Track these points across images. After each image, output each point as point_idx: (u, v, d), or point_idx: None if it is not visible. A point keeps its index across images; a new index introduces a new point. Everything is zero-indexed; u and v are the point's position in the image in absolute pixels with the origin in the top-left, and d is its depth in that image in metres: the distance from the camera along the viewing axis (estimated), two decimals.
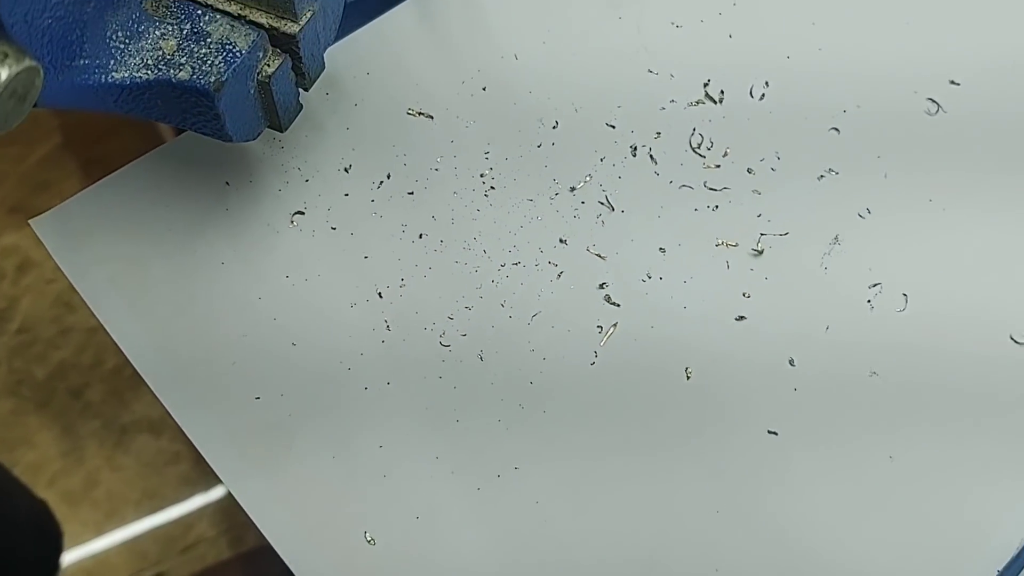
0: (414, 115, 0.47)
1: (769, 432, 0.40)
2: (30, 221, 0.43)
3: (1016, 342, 0.42)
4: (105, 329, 0.41)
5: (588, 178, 0.46)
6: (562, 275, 0.43)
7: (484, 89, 0.48)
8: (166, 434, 1.02)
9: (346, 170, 0.45)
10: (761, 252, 0.44)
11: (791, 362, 0.42)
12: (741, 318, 0.42)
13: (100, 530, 1.00)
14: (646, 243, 0.44)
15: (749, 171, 0.46)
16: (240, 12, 0.39)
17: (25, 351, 1.04)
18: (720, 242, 0.44)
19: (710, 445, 0.40)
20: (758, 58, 0.49)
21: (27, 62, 0.27)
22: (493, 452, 0.40)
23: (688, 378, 0.41)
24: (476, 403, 0.41)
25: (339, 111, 0.47)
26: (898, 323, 0.43)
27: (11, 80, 0.26)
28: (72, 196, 0.44)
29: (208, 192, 0.44)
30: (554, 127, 0.47)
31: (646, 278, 0.43)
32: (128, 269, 0.43)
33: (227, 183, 0.45)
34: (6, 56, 0.26)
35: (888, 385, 0.41)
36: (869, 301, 0.43)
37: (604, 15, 0.50)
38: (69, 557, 0.99)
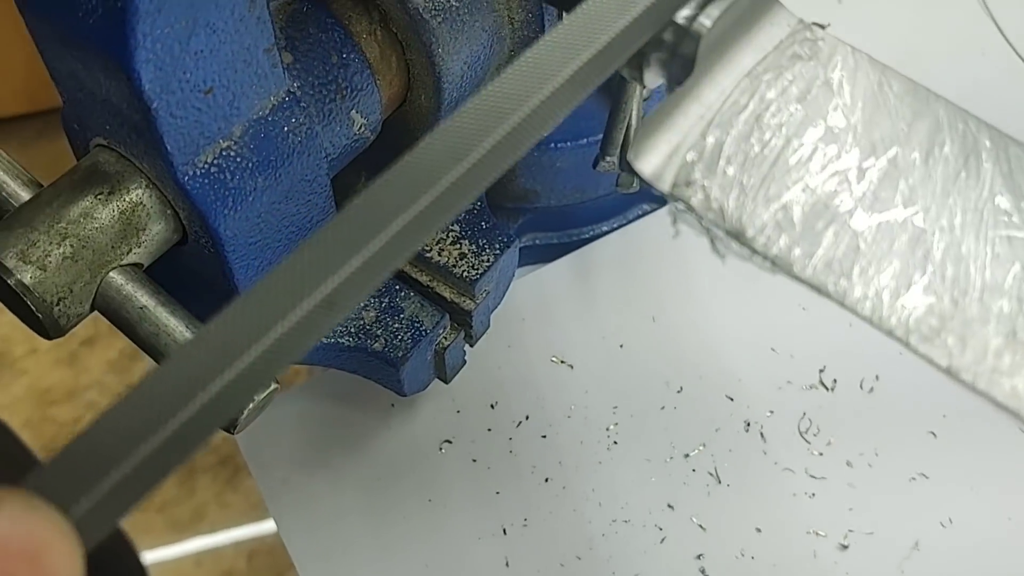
0: (557, 362, 0.55)
1: None
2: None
3: None
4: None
5: (702, 447, 0.52)
6: (665, 540, 0.50)
7: (621, 347, 0.55)
8: None
9: (492, 406, 0.53)
10: (847, 547, 0.50)
11: None
12: None
13: None
14: (745, 520, 0.50)
15: (848, 463, 0.52)
16: (429, 283, 0.48)
17: None
18: (811, 531, 0.50)
19: None
20: (872, 350, 0.55)
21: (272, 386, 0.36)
22: None
23: None
24: None
25: (494, 351, 0.55)
26: None
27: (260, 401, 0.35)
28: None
29: (375, 410, 0.53)
30: (678, 391, 0.54)
31: (740, 555, 0.50)
32: (298, 472, 0.51)
33: (392, 404, 0.53)
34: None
35: None
36: None
37: (737, 287, 0.57)
38: None
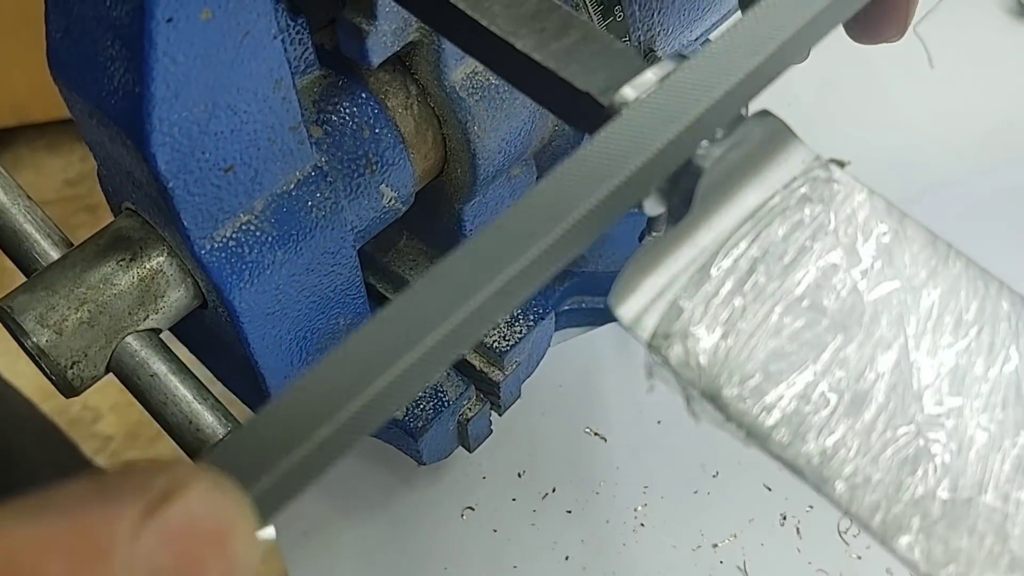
0: (590, 434, 0.54)
1: None
2: None
3: None
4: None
5: (733, 537, 0.51)
6: None
7: (659, 423, 0.54)
8: None
9: (519, 475, 0.53)
10: None
11: None
12: None
13: None
14: None
15: (888, 572, 0.50)
16: None
17: None
18: None
19: None
20: None
21: None
22: None
23: None
24: None
25: (527, 417, 0.54)
26: None
27: None
28: None
29: (401, 469, 0.53)
30: (714, 476, 0.53)
31: None
32: (318, 526, 0.52)
33: (418, 463, 0.53)
34: None
35: None
36: None
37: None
38: None
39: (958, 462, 0.22)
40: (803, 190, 0.25)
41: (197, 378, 0.37)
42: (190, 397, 0.36)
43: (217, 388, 0.46)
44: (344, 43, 0.36)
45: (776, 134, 0.25)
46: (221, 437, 0.36)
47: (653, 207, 0.26)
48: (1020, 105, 0.68)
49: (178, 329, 0.41)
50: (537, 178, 0.48)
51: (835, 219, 0.24)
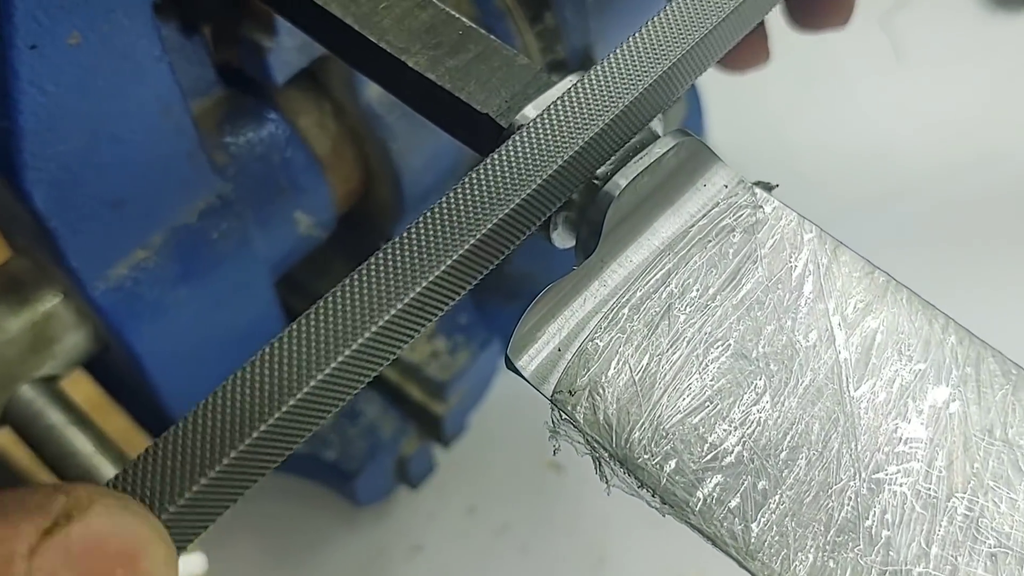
0: (546, 466, 0.52)
1: None
2: None
3: None
4: None
5: (699, 572, 0.49)
6: None
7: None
8: None
9: (470, 510, 0.51)
10: None
11: None
12: None
13: None
14: None
15: None
16: (399, 380, 0.45)
17: None
18: None
19: None
20: None
21: None
22: None
23: None
24: None
25: (478, 449, 0.52)
26: None
27: None
28: None
29: (341, 510, 0.51)
30: None
31: None
32: (253, 572, 0.50)
33: (358, 503, 0.51)
34: None
35: None
36: None
37: None
38: None
39: (899, 534, 0.20)
40: (725, 219, 0.23)
41: (97, 428, 0.35)
42: (90, 449, 0.34)
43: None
44: (246, 61, 0.34)
45: (694, 155, 0.23)
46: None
47: (562, 240, 0.24)
48: (992, 102, 0.66)
49: (91, 369, 0.39)
50: None
51: (760, 250, 0.22)
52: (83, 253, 0.31)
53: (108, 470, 0.34)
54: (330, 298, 0.20)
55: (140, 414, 0.41)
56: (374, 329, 0.20)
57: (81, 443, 0.34)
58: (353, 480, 0.43)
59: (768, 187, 0.24)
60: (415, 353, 0.45)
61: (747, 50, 0.37)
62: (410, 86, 0.25)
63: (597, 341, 0.21)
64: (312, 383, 0.20)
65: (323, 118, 0.38)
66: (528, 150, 0.21)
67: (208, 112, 0.36)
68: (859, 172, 0.63)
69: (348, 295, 0.20)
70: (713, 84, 0.55)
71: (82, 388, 0.40)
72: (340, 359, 0.20)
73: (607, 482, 0.21)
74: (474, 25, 0.25)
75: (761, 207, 0.23)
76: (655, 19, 0.23)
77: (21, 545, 0.16)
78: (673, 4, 0.24)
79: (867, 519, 0.20)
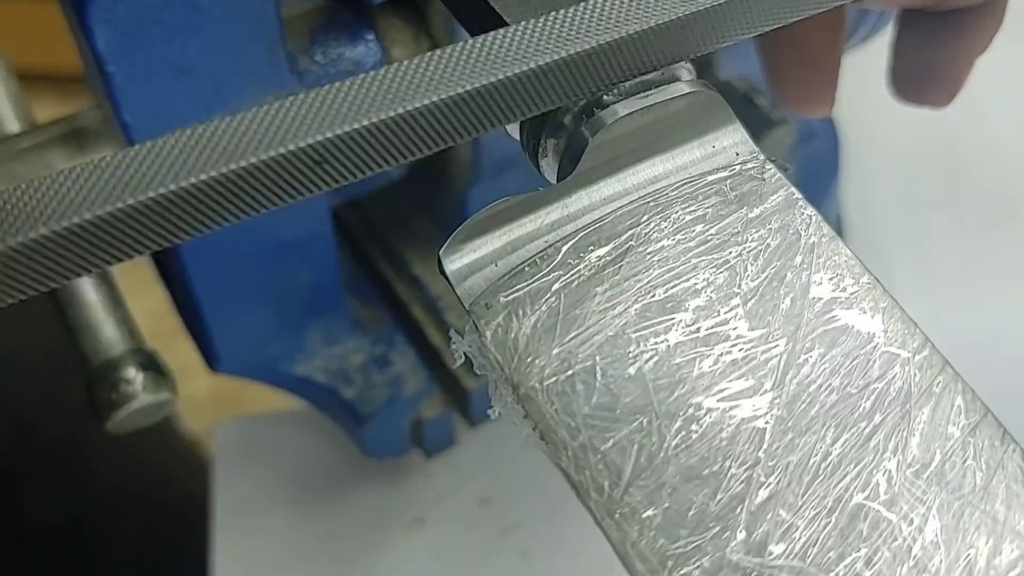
0: None
1: None
2: (216, 423, 0.52)
3: None
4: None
5: None
6: None
7: None
8: None
9: (482, 502, 0.49)
10: None
11: None
12: None
13: None
14: None
15: None
16: (440, 344, 0.44)
17: None
18: None
19: None
20: None
21: (163, 395, 0.34)
22: None
23: None
24: None
25: (507, 440, 0.50)
26: None
27: (140, 408, 0.33)
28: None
29: (362, 463, 0.50)
30: None
31: None
32: (260, 498, 0.49)
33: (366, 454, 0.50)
34: (144, 386, 0.33)
35: None
36: None
37: None
38: None
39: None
40: (724, 183, 0.21)
41: (116, 291, 0.35)
42: (99, 306, 0.34)
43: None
44: None
45: (709, 109, 0.21)
46: (121, 351, 0.34)
47: (551, 170, 0.22)
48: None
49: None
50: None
51: (749, 232, 0.20)
52: (139, 110, 0.32)
53: (109, 331, 0.34)
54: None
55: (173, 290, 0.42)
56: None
57: (93, 298, 0.35)
58: (365, 425, 0.42)
59: (784, 167, 0.21)
60: (462, 320, 0.44)
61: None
62: None
63: (537, 265, 0.19)
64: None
65: (418, 53, 0.37)
66: (527, 40, 0.20)
67: (304, 16, 0.36)
68: None
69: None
70: None
71: None
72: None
73: (493, 406, 0.20)
74: None
75: (767, 181, 0.21)
76: None
77: None
78: None
79: (745, 503, 0.17)
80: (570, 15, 0.20)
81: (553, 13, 0.21)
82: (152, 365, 0.34)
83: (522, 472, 0.50)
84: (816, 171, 0.52)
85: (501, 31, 0.21)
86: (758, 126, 0.40)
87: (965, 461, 0.19)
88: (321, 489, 0.50)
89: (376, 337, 0.44)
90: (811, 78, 0.34)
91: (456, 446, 0.50)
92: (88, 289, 0.34)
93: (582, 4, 0.21)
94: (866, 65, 0.47)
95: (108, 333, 0.34)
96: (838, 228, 0.58)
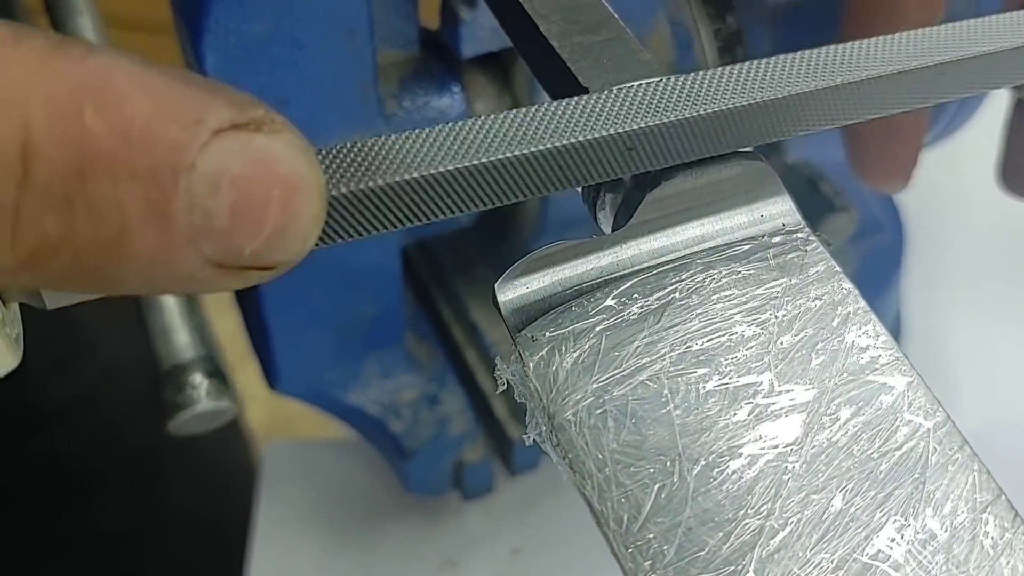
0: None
1: None
2: (267, 444, 0.53)
3: None
4: None
5: None
6: None
7: None
8: None
9: (514, 552, 0.50)
10: None
11: None
12: None
13: None
14: None
15: None
16: (490, 390, 0.45)
17: None
18: None
19: None
20: None
21: (224, 402, 0.35)
22: None
23: None
24: None
25: (544, 491, 0.51)
26: None
27: (201, 413, 0.35)
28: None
29: (387, 494, 0.51)
30: None
31: None
32: (298, 516, 0.51)
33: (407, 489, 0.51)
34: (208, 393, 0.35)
35: None
36: None
37: None
38: None
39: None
40: (768, 249, 0.22)
41: (194, 299, 0.37)
42: (176, 311, 0.36)
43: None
44: (443, 25, 0.37)
45: (761, 178, 0.22)
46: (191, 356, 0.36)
47: (607, 222, 0.24)
48: None
49: None
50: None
51: (788, 297, 0.21)
52: None
53: (182, 337, 0.36)
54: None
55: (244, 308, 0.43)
56: None
57: (170, 304, 0.37)
58: (409, 460, 0.43)
59: (827, 243, 0.23)
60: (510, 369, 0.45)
61: (893, 155, 0.35)
62: (535, 47, 0.26)
63: (584, 307, 0.21)
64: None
65: (499, 109, 0.39)
66: (594, 111, 0.22)
67: (397, 64, 0.38)
68: None
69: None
70: None
71: None
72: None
73: (528, 433, 0.21)
74: (616, 15, 0.26)
75: (810, 253, 0.22)
76: (792, 56, 0.23)
77: (211, 118, 0.16)
78: (848, 45, 0.23)
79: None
80: (644, 88, 0.22)
81: (629, 85, 0.22)
82: (218, 373, 0.36)
83: (556, 526, 0.51)
84: (877, 264, 0.52)
85: (584, 97, 0.22)
86: (819, 211, 0.41)
87: (974, 537, 0.19)
88: (360, 518, 0.51)
89: (429, 376, 0.46)
90: (893, 149, 0.34)
91: (494, 493, 0.51)
92: (168, 295, 0.37)
93: (656, 79, 0.23)
94: (938, 161, 0.47)
95: (181, 338, 0.36)
96: (896, 326, 0.58)
